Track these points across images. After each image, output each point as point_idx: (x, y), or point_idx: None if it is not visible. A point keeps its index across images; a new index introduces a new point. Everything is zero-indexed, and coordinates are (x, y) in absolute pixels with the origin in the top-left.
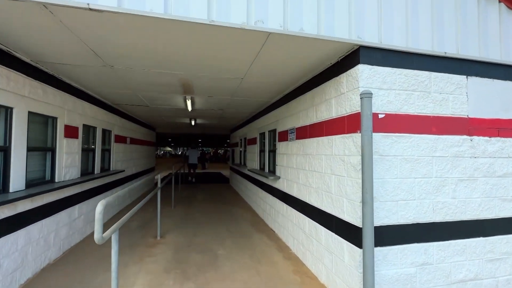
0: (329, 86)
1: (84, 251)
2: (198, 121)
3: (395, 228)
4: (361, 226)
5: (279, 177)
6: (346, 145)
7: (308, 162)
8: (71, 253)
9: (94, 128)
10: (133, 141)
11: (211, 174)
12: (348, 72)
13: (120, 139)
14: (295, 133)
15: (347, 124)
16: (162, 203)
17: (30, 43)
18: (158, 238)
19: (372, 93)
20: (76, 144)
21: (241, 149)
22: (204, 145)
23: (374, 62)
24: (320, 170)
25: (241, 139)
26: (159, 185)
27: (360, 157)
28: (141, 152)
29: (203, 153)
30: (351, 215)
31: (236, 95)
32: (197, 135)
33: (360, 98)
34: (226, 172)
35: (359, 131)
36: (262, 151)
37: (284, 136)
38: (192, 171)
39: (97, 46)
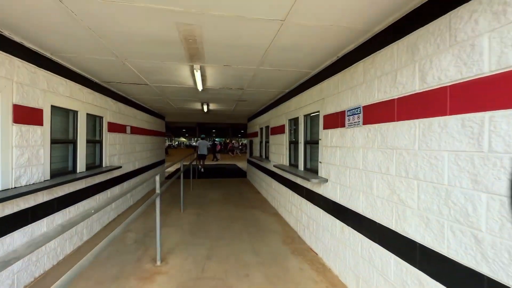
0: (469, 13)
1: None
2: (212, 106)
3: None
4: None
5: (326, 180)
6: None
7: (398, 162)
8: None
9: (75, 113)
10: (135, 130)
11: (225, 166)
12: None
13: (116, 128)
14: (361, 114)
15: None
16: (171, 204)
17: None
18: (158, 263)
19: None
20: (38, 134)
21: (261, 140)
22: (218, 135)
23: None
24: (432, 179)
25: (261, 128)
26: (157, 190)
27: None
28: (146, 143)
29: (214, 144)
30: None
31: (265, 60)
32: (211, 125)
33: None
34: (241, 164)
35: None
36: (293, 142)
37: (335, 120)
38: (201, 162)
39: None
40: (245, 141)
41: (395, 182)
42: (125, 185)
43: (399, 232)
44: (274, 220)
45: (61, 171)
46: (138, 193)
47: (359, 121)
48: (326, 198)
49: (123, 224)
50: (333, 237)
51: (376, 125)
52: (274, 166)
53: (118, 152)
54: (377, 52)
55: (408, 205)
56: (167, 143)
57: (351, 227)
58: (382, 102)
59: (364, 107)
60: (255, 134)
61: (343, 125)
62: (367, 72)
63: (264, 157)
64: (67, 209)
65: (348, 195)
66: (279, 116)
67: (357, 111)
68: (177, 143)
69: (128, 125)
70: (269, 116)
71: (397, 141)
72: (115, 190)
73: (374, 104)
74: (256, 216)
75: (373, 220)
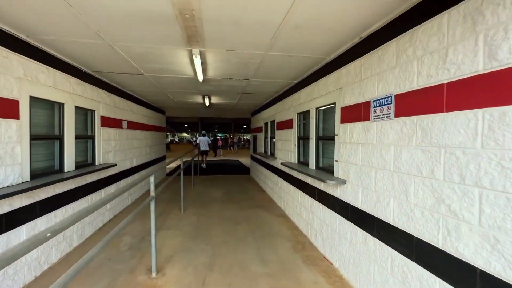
0: None
1: None
2: (213, 100)
3: None
4: None
5: (344, 182)
6: None
7: (448, 163)
8: None
9: (60, 105)
10: (133, 125)
11: (228, 162)
12: None
13: (110, 123)
14: (392, 105)
15: None
16: (171, 202)
17: None
18: (153, 274)
19: None
20: (13, 129)
21: (266, 136)
22: (220, 131)
23: None
24: (505, 188)
25: (266, 123)
26: (152, 193)
27: None
28: (145, 139)
29: (216, 139)
30: None
31: (275, 43)
32: (213, 119)
33: None
34: (244, 160)
35: None
36: (302, 138)
37: (356, 113)
38: (203, 158)
39: None
40: (247, 137)
41: (444, 189)
42: (122, 183)
43: (449, 252)
44: (281, 223)
45: (45, 171)
46: (137, 191)
47: (389, 113)
48: (344, 202)
49: (112, 232)
50: (353, 247)
51: (414, 118)
52: (281, 163)
53: (113, 148)
54: (418, 26)
55: (464, 219)
56: (170, 138)
57: (377, 238)
58: (425, 88)
59: (397, 96)
60: (259, 129)
61: (367, 118)
62: (402, 52)
63: (269, 153)
64: (52, 213)
65: (373, 201)
66: (287, 109)
67: (386, 101)
68: (179, 138)
69: (124, 120)
70: (275, 109)
71: (446, 137)
72: (110, 189)
73: (411, 91)
74: (262, 218)
75: (409, 233)
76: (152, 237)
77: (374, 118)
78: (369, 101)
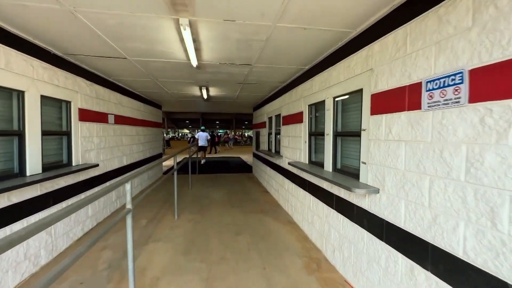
0: None
1: None
2: (212, 92)
3: None
4: None
5: (376, 191)
6: None
7: None
8: None
9: (19, 94)
10: (121, 120)
11: (229, 159)
12: None
13: (92, 117)
14: (464, 85)
15: None
16: (165, 206)
17: None
18: None
19: None
20: None
21: (270, 131)
22: (222, 127)
23: None
24: None
25: (270, 118)
26: (128, 205)
27: None
28: (137, 135)
29: (213, 136)
30: None
31: (287, 9)
32: (215, 116)
33: None
34: (246, 157)
35: None
36: (315, 134)
37: (398, 99)
38: (202, 154)
39: None
40: (249, 133)
41: None
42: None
43: None
44: (289, 232)
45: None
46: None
47: (458, 97)
48: (376, 216)
49: (65, 261)
50: (390, 277)
51: (510, 102)
52: (288, 163)
53: (96, 146)
54: None
55: None
56: (170, 135)
57: (434, 274)
58: None
59: (474, 71)
60: (262, 125)
61: (415, 107)
62: (486, 3)
63: (273, 151)
64: (7, 228)
65: (426, 221)
66: (295, 101)
67: (453, 80)
68: (180, 134)
69: (110, 114)
70: (281, 102)
71: None
72: (91, 192)
73: (504, 62)
74: (267, 225)
75: (499, 278)
76: (130, 262)
77: (429, 106)
78: (420, 83)
